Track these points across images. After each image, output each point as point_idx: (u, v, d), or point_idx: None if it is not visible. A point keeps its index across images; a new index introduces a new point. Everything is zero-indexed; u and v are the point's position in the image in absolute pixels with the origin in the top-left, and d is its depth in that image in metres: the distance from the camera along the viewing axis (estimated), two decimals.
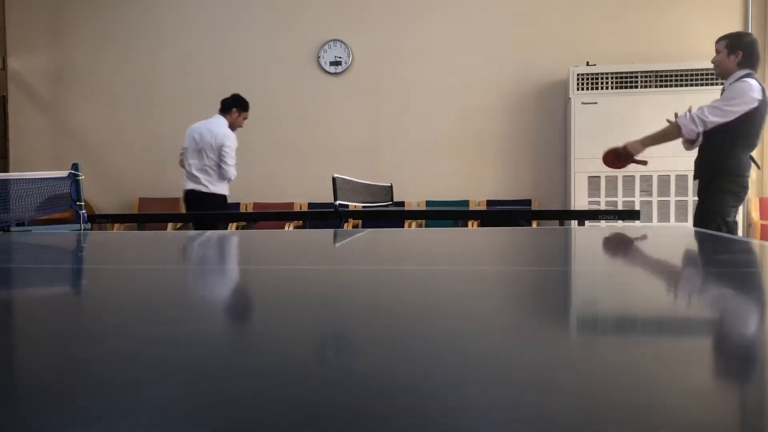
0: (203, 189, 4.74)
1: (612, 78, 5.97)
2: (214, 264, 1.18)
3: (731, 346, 0.44)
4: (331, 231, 2.16)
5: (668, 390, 0.32)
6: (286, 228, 5.84)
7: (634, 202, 5.88)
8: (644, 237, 1.60)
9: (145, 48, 7.30)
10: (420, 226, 5.96)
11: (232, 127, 4.84)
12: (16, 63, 7.62)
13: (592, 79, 6.01)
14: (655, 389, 0.32)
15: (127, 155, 7.39)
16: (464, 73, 6.73)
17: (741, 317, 0.55)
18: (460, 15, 6.72)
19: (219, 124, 4.79)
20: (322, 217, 4.47)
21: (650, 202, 5.87)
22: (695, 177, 3.38)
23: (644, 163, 3.56)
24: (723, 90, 3.29)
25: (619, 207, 5.81)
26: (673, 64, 5.88)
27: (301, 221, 5.66)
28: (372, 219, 5.43)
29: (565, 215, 4.51)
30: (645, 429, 0.26)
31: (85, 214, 3.02)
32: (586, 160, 5.83)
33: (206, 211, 4.76)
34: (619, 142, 3.51)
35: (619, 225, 4.16)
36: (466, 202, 6.74)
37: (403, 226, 5.64)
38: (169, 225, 5.89)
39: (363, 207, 4.68)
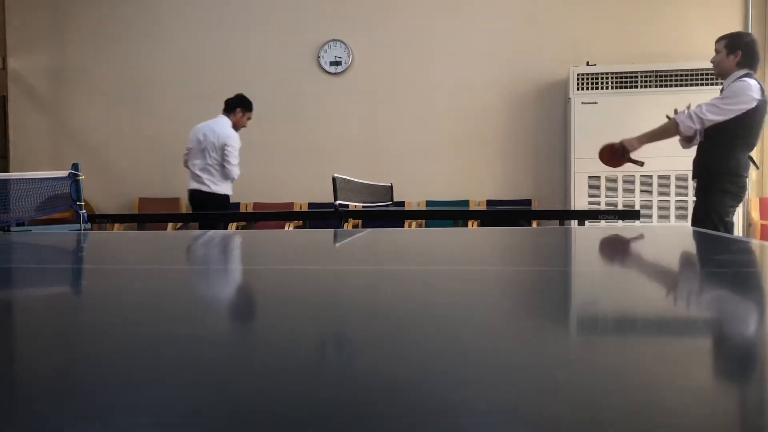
0: (205, 189, 4.76)
1: (612, 78, 5.97)
2: (213, 264, 1.18)
3: (731, 346, 0.44)
4: (331, 231, 2.16)
5: (668, 390, 0.32)
6: (286, 228, 5.84)
7: (634, 202, 5.88)
8: (644, 237, 1.60)
9: (145, 48, 7.31)
10: (420, 226, 5.96)
11: (236, 127, 4.86)
12: (16, 63, 7.63)
13: (592, 79, 6.01)
14: (655, 389, 0.32)
15: (127, 155, 7.39)
16: (464, 73, 6.73)
17: (741, 317, 0.55)
18: (460, 15, 6.72)
19: (222, 124, 4.80)
20: (322, 217, 4.48)
21: (650, 202, 5.87)
22: (694, 177, 3.38)
23: (641, 164, 3.56)
24: (722, 90, 3.29)
25: (619, 207, 5.81)
26: (673, 64, 5.88)
27: (301, 221, 5.66)
28: (372, 219, 5.43)
29: (565, 215, 4.51)
30: (645, 429, 0.26)
31: (85, 214, 3.02)
32: (586, 160, 5.83)
33: (209, 210, 4.78)
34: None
35: (619, 225, 4.16)
36: (466, 202, 6.75)
37: (403, 226, 5.64)
38: (169, 225, 5.89)
39: (363, 207, 4.68)
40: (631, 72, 5.93)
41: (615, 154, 3.54)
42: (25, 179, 3.07)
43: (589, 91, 6.00)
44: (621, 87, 5.95)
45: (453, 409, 0.29)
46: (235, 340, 0.46)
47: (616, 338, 0.47)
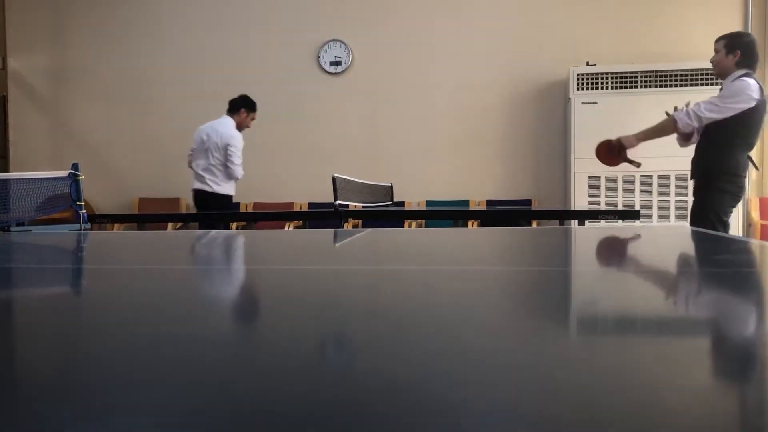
0: (208, 189, 4.79)
1: (612, 78, 5.97)
2: (213, 264, 1.18)
3: (732, 346, 0.44)
4: (331, 231, 2.16)
5: (668, 390, 0.32)
6: (286, 228, 5.84)
7: (634, 202, 5.88)
8: (644, 237, 1.60)
9: (145, 48, 7.31)
10: (420, 226, 5.96)
11: (240, 127, 4.88)
12: (16, 63, 7.63)
13: (592, 79, 6.01)
14: (655, 389, 0.32)
15: (127, 155, 7.39)
16: (464, 73, 6.73)
17: (742, 317, 0.55)
18: (460, 15, 6.72)
19: (226, 124, 4.83)
20: (322, 217, 4.48)
21: (650, 202, 5.87)
22: (692, 176, 3.37)
23: (637, 165, 3.55)
24: (721, 90, 3.29)
25: (619, 207, 5.81)
26: (673, 64, 5.88)
27: (301, 221, 5.66)
28: (372, 219, 5.43)
29: (565, 215, 4.51)
30: (645, 429, 0.26)
31: (85, 214, 3.02)
32: (586, 160, 5.82)
33: (212, 211, 4.80)
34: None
35: (619, 225, 4.16)
36: (466, 202, 6.75)
37: (403, 226, 5.64)
38: (169, 225, 5.89)
39: (363, 207, 4.68)
40: (631, 72, 5.93)
41: (612, 152, 3.53)
42: (25, 179, 3.07)
43: (589, 91, 6.00)
44: (621, 87, 5.95)
45: (453, 409, 0.29)
46: (235, 340, 0.46)
47: (616, 338, 0.47)
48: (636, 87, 5.91)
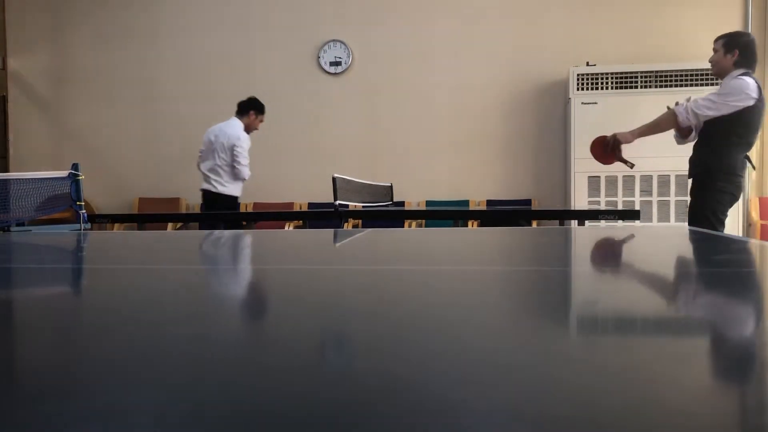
0: (213, 189, 4.86)
1: (612, 78, 5.97)
2: (213, 264, 1.18)
3: (732, 347, 0.44)
4: (331, 231, 2.16)
5: (668, 390, 0.32)
6: (286, 228, 5.84)
7: (634, 202, 5.88)
8: (644, 237, 1.60)
9: (145, 48, 7.31)
10: (420, 226, 5.96)
11: (248, 129, 4.93)
12: (16, 63, 7.63)
13: (592, 79, 6.01)
14: (655, 389, 0.32)
15: (127, 155, 7.39)
16: (464, 73, 6.73)
17: (743, 318, 0.55)
18: (460, 15, 6.72)
19: (233, 125, 4.88)
20: (322, 217, 4.48)
21: (650, 202, 5.87)
22: (690, 175, 3.35)
23: (631, 165, 3.54)
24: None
25: (619, 207, 5.81)
26: (673, 64, 5.88)
27: (301, 221, 5.67)
28: (372, 219, 5.43)
29: (565, 215, 4.51)
30: (645, 429, 0.26)
31: (85, 214, 3.02)
32: (586, 160, 5.81)
33: (218, 210, 4.85)
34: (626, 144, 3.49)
35: (619, 225, 4.16)
36: (466, 202, 6.75)
37: (403, 226, 5.64)
38: (169, 225, 5.89)
39: (363, 207, 4.68)
40: (631, 72, 5.93)
41: (606, 149, 3.51)
42: (25, 179, 3.07)
43: (589, 91, 6.00)
44: (621, 87, 5.95)
45: (453, 409, 0.29)
46: (235, 340, 0.46)
47: (616, 338, 0.47)
48: (636, 87, 5.91)
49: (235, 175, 4.85)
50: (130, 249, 1.48)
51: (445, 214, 5.26)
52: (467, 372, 0.35)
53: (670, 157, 5.26)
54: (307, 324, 0.52)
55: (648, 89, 5.87)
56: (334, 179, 3.91)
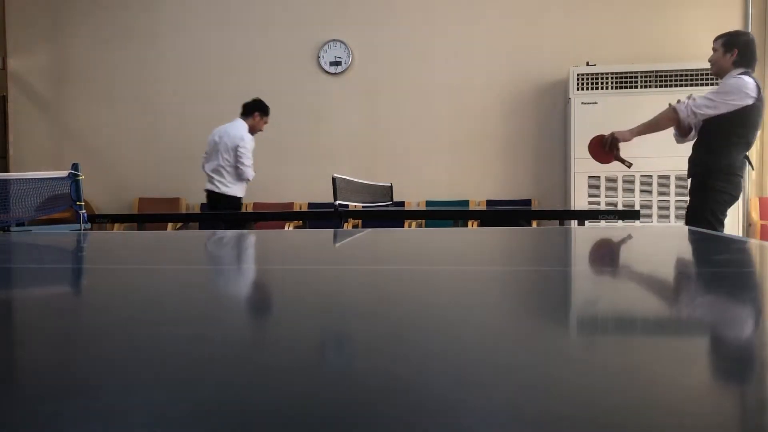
0: (215, 189, 4.91)
1: (612, 78, 5.97)
2: (213, 264, 1.18)
3: (732, 347, 0.44)
4: (331, 231, 2.16)
5: (668, 390, 0.32)
6: (286, 228, 5.84)
7: (634, 202, 5.88)
8: (644, 237, 1.60)
9: (145, 48, 7.31)
10: (420, 226, 5.96)
11: (253, 130, 4.98)
12: (16, 63, 7.63)
13: (592, 79, 6.01)
14: (655, 389, 0.32)
15: (127, 155, 7.39)
16: (464, 72, 6.73)
17: (744, 318, 0.55)
18: (460, 15, 6.72)
19: (238, 126, 4.92)
20: (322, 217, 4.48)
21: (650, 202, 5.87)
22: (689, 175, 3.35)
23: (628, 164, 3.53)
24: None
25: (619, 207, 5.81)
26: (673, 64, 5.88)
27: (301, 221, 5.67)
28: (372, 219, 5.43)
29: (565, 215, 4.51)
30: (645, 429, 0.26)
31: (85, 214, 3.02)
32: (586, 160, 5.81)
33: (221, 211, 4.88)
34: (624, 143, 3.48)
35: (619, 225, 4.16)
36: (466, 202, 6.75)
37: (403, 226, 5.64)
38: (169, 225, 5.89)
39: (363, 207, 4.68)
40: (631, 72, 5.93)
41: (604, 147, 3.50)
42: (25, 179, 3.07)
43: (589, 91, 6.00)
44: (621, 87, 5.95)
45: (453, 409, 0.29)
46: (234, 340, 0.46)
47: (616, 338, 0.47)
48: (636, 87, 5.91)
49: (239, 176, 4.89)
50: (130, 249, 1.48)
51: (445, 214, 5.26)
52: (467, 372, 0.35)
53: (670, 157, 5.26)
54: (307, 324, 0.52)
55: (648, 89, 5.87)
56: (334, 179, 3.91)
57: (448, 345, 0.42)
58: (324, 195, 6.01)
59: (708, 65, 3.41)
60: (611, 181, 5.92)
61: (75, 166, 3.10)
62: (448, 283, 0.78)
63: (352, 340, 0.46)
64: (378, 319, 0.53)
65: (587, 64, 6.11)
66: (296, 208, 6.83)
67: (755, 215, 6.13)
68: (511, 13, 6.62)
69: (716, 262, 1.04)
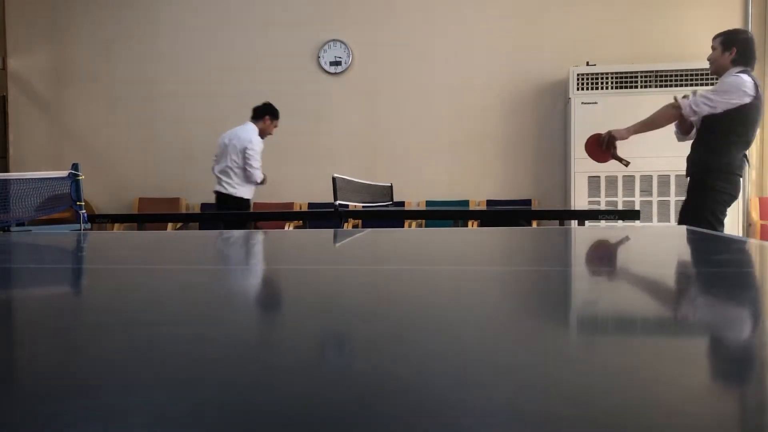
0: (223, 191, 5.00)
1: (612, 78, 5.97)
2: (213, 264, 1.18)
3: (732, 347, 0.44)
4: (331, 231, 2.16)
5: (668, 390, 0.32)
6: (286, 228, 5.84)
7: (634, 202, 5.88)
8: (644, 237, 1.60)
9: (144, 48, 7.31)
10: (420, 226, 5.96)
11: (263, 133, 5.06)
12: (16, 63, 7.63)
13: (592, 79, 6.01)
14: (655, 389, 0.32)
15: (127, 155, 7.39)
16: (464, 72, 6.73)
17: (743, 318, 0.55)
18: (460, 15, 6.73)
19: (248, 129, 5.00)
20: (322, 217, 4.48)
21: (650, 202, 5.87)
22: (687, 174, 3.34)
23: (626, 163, 3.52)
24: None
25: (619, 207, 5.81)
26: (673, 64, 5.89)
27: (301, 221, 5.67)
28: (372, 219, 5.43)
29: (565, 215, 4.51)
30: (645, 429, 0.26)
31: (85, 214, 3.02)
32: (586, 160, 5.79)
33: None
34: (622, 142, 3.48)
35: (619, 225, 4.16)
36: (466, 202, 6.75)
37: (403, 226, 5.64)
38: (169, 225, 5.89)
39: (363, 207, 4.68)
40: (631, 72, 5.93)
41: (601, 146, 3.49)
42: (25, 179, 3.07)
43: (589, 91, 6.00)
44: (621, 87, 5.95)
45: (453, 409, 0.29)
46: (234, 340, 0.46)
47: (616, 338, 0.47)
48: (636, 87, 5.91)
49: (247, 178, 4.97)
50: (130, 249, 1.48)
51: (445, 214, 5.26)
52: (467, 372, 0.35)
53: (670, 157, 5.26)
54: (307, 324, 0.52)
55: (648, 89, 5.87)
56: (334, 179, 3.91)
57: (448, 345, 0.42)
58: (324, 195, 6.01)
59: (708, 65, 3.41)
60: (611, 181, 5.92)
61: (75, 166, 3.10)
62: (448, 283, 0.78)
63: (352, 340, 0.46)
64: (378, 319, 0.53)
65: (587, 64, 6.12)
66: (296, 208, 6.84)
67: (755, 215, 6.13)
68: (511, 13, 6.63)
69: (716, 262, 1.04)
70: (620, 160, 3.50)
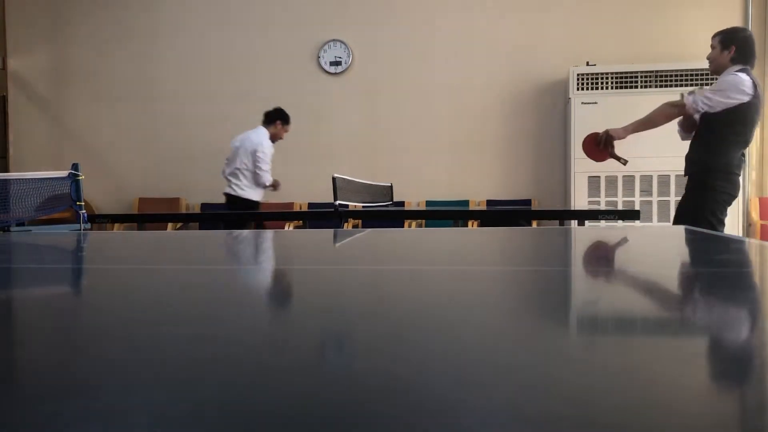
0: (232, 192, 5.09)
1: (612, 78, 5.97)
2: (213, 264, 1.18)
3: (732, 347, 0.44)
4: (331, 231, 2.16)
5: (668, 390, 0.32)
6: (286, 228, 5.84)
7: (634, 202, 5.88)
8: (644, 237, 1.60)
9: (144, 48, 7.31)
10: (420, 226, 5.96)
11: (274, 138, 5.18)
12: (16, 63, 7.63)
13: (592, 79, 6.01)
14: (655, 389, 0.32)
15: (127, 155, 7.39)
16: (464, 72, 6.73)
17: (743, 318, 0.55)
18: (460, 15, 6.72)
19: (259, 133, 5.11)
20: (322, 217, 4.48)
21: (650, 202, 5.87)
22: (686, 173, 3.33)
23: (624, 162, 3.52)
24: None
25: (619, 207, 5.81)
26: (673, 64, 5.88)
27: (301, 221, 5.67)
28: (372, 219, 5.43)
29: (565, 215, 4.51)
30: (645, 429, 0.26)
31: (85, 214, 3.02)
32: (586, 160, 5.80)
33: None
34: (620, 141, 3.47)
35: (619, 225, 4.16)
36: (466, 202, 6.75)
37: (403, 226, 5.64)
38: (169, 225, 5.89)
39: (363, 207, 4.68)
40: (631, 72, 5.93)
41: (599, 145, 3.48)
42: (25, 179, 3.07)
43: (589, 91, 6.00)
44: (621, 87, 5.95)
45: (453, 409, 0.29)
46: (234, 340, 0.46)
47: (616, 338, 0.47)
48: (636, 87, 5.91)
49: (256, 180, 5.07)
50: (130, 249, 1.48)
51: (445, 214, 5.26)
52: (467, 372, 0.35)
53: (670, 157, 5.26)
54: (307, 324, 0.52)
55: (648, 89, 5.87)
56: (334, 179, 3.91)
57: (448, 345, 0.42)
58: (324, 195, 6.01)
59: (708, 64, 3.41)
60: (611, 181, 5.92)
61: (75, 166, 3.10)
62: (448, 283, 0.78)
63: (352, 340, 0.46)
64: (378, 319, 0.53)
65: (587, 64, 6.12)
66: (296, 208, 6.83)
67: (755, 215, 6.13)
68: (511, 13, 6.62)
69: (716, 262, 1.04)
70: (618, 158, 3.49)
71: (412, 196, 6.77)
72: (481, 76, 6.69)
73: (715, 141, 3.13)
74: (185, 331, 0.49)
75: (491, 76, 6.68)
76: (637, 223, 4.00)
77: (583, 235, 1.75)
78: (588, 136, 3.56)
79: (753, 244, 1.28)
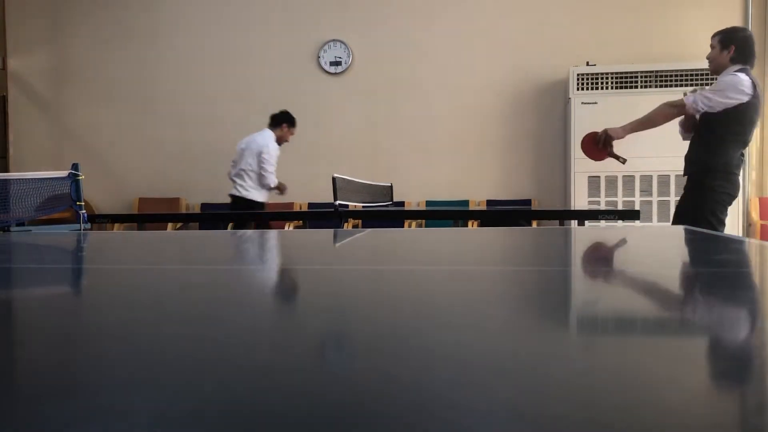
0: (236, 193, 5.18)
1: (612, 78, 5.97)
2: (212, 264, 1.18)
3: (732, 347, 0.44)
4: (331, 231, 2.16)
5: (668, 390, 0.32)
6: (286, 228, 5.84)
7: (634, 202, 5.88)
8: (644, 237, 1.60)
9: (145, 48, 7.31)
10: (420, 226, 5.96)
11: (280, 140, 5.23)
12: (16, 63, 7.63)
13: (592, 79, 6.01)
14: (655, 389, 0.32)
15: (127, 155, 7.39)
16: (464, 72, 6.73)
17: (743, 318, 0.55)
18: (460, 15, 6.72)
19: (265, 135, 5.17)
20: (322, 217, 4.48)
21: (650, 202, 5.87)
22: (685, 173, 3.33)
23: (623, 160, 3.52)
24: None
25: (619, 207, 5.81)
26: (673, 64, 5.88)
27: (301, 221, 5.67)
28: (372, 219, 5.43)
29: (565, 215, 4.51)
30: (645, 429, 0.26)
31: (85, 214, 3.02)
32: (586, 160, 5.80)
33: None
34: (619, 141, 3.47)
35: (619, 225, 4.16)
36: (466, 202, 6.75)
37: (403, 226, 5.64)
38: (169, 225, 5.89)
39: (363, 207, 4.68)
40: (631, 72, 5.93)
41: (597, 144, 3.48)
42: (25, 179, 3.07)
43: (589, 91, 6.00)
44: (621, 87, 5.94)
45: (453, 409, 0.29)
46: (234, 340, 0.46)
47: (616, 338, 0.47)
48: (636, 87, 5.91)
49: (261, 182, 5.12)
50: (130, 249, 1.48)
51: (445, 214, 5.26)
52: (467, 372, 0.35)
53: (670, 157, 5.26)
54: (307, 324, 0.52)
55: (648, 89, 5.87)
56: (334, 179, 3.91)
57: (448, 345, 0.42)
58: (324, 195, 6.01)
59: (707, 64, 3.40)
60: (611, 181, 5.92)
61: (75, 166, 3.10)
62: (449, 283, 0.78)
63: (352, 340, 0.46)
64: (378, 319, 0.53)
65: (587, 64, 6.11)
66: (296, 208, 6.83)
67: (755, 215, 6.13)
68: (511, 13, 6.62)
69: (716, 262, 1.04)
70: (617, 157, 3.50)
71: (412, 196, 6.77)
72: (481, 77, 6.69)
73: (714, 141, 3.13)
74: (185, 331, 0.49)
75: (491, 77, 6.68)
76: (637, 223, 4.00)
77: (583, 235, 1.75)
78: (587, 136, 3.56)
79: (753, 244, 1.28)
